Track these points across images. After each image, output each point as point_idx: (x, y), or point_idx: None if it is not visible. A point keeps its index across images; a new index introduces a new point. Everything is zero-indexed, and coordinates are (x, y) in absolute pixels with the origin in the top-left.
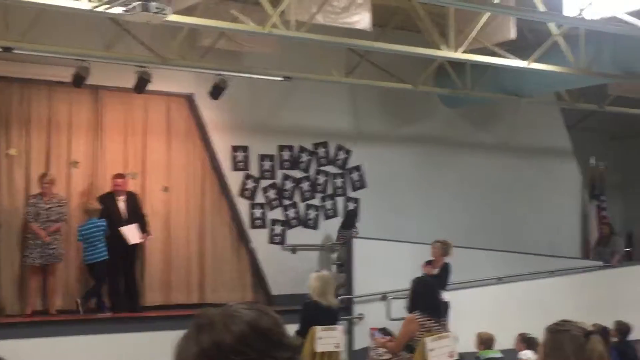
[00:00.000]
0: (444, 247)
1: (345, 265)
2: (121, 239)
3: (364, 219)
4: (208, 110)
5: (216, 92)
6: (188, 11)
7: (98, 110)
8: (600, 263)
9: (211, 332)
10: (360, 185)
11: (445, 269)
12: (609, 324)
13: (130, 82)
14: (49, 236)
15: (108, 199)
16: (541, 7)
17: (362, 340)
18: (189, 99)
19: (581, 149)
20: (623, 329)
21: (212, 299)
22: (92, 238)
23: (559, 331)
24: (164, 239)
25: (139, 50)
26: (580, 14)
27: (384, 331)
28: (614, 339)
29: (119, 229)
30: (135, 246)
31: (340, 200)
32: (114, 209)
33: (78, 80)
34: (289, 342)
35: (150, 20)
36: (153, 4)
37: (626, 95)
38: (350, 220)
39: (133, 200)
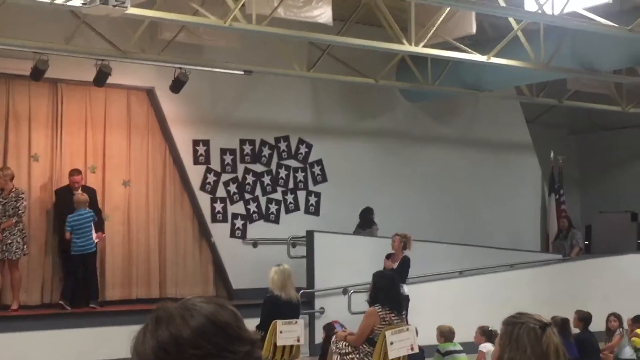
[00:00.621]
0: (403, 241)
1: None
2: None
3: (324, 212)
4: (169, 104)
5: (177, 85)
6: (148, 4)
7: (58, 104)
8: (559, 256)
9: (169, 325)
10: (321, 179)
11: (404, 263)
12: (569, 315)
13: (90, 75)
14: (1, 232)
15: (65, 193)
16: (501, 2)
17: (323, 333)
18: (150, 93)
19: (541, 143)
20: (585, 318)
21: (173, 293)
22: (81, 228)
23: (516, 323)
24: (124, 233)
25: (99, 43)
26: (540, 9)
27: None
28: (576, 329)
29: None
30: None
31: (301, 194)
32: (72, 203)
33: (37, 74)
34: (247, 335)
35: (109, 13)
36: None
37: (585, 90)
38: (366, 219)
39: (90, 196)
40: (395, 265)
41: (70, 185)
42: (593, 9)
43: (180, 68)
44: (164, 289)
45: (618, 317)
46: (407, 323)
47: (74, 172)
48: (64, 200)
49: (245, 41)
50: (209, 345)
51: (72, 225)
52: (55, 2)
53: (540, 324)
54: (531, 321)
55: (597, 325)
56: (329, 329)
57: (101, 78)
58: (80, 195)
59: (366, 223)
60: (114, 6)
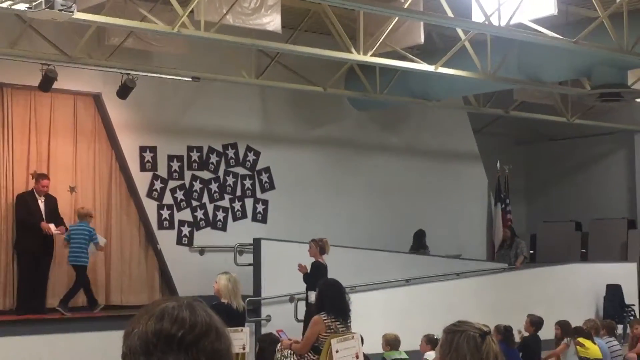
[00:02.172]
0: (319, 245)
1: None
2: (39, 240)
3: (272, 220)
4: (115, 110)
5: (124, 91)
6: (95, 9)
7: (3, 109)
8: (505, 265)
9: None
10: (269, 186)
11: (314, 268)
12: (513, 324)
13: (35, 80)
14: None
15: (29, 198)
16: (449, 13)
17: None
18: (96, 98)
19: (487, 153)
20: (537, 322)
21: (118, 300)
22: (77, 241)
23: (456, 332)
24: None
25: (45, 47)
26: (487, 21)
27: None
28: (526, 334)
29: (41, 224)
30: (52, 248)
31: (249, 202)
32: (35, 208)
33: None
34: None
35: (55, 18)
36: (59, 0)
37: (531, 100)
38: (419, 241)
39: (52, 203)
40: (308, 270)
41: (37, 190)
42: (539, 21)
43: (127, 74)
44: (110, 296)
45: (562, 325)
46: (352, 331)
47: (42, 176)
48: (25, 205)
49: (193, 48)
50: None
51: (71, 236)
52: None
53: (480, 332)
54: (471, 329)
55: (543, 333)
56: (264, 340)
57: (47, 83)
58: (80, 209)
59: (419, 245)
60: (60, 10)
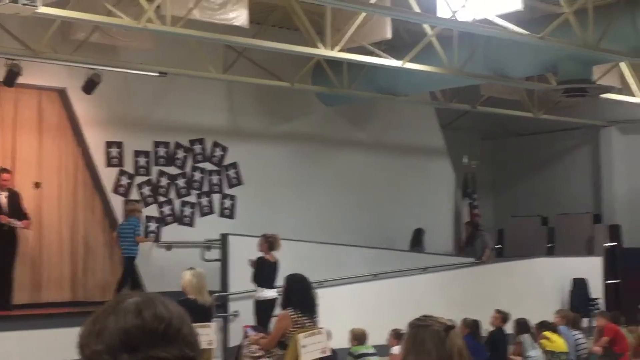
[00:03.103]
0: (269, 241)
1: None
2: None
3: (239, 216)
4: (81, 105)
5: (89, 86)
6: (61, 3)
7: None
8: (471, 260)
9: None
10: (236, 182)
11: (260, 264)
12: (481, 318)
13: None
14: None
15: None
16: (416, 8)
17: (237, 337)
18: (62, 93)
19: (454, 148)
20: (504, 316)
21: (84, 296)
22: (125, 235)
23: (420, 326)
24: (34, 236)
25: (8, 42)
26: (453, 16)
27: (256, 328)
28: (491, 328)
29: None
30: (16, 244)
31: (216, 197)
32: None
33: None
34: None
35: (19, 12)
36: None
37: (497, 96)
38: (416, 239)
39: (14, 198)
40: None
41: None
42: (505, 17)
43: (93, 69)
44: (75, 292)
45: (518, 324)
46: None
47: (2, 171)
48: None
49: (160, 43)
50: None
51: (120, 231)
52: None
53: (444, 326)
54: (435, 324)
55: (509, 327)
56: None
57: (11, 78)
58: (126, 205)
59: (416, 243)
60: (24, 5)
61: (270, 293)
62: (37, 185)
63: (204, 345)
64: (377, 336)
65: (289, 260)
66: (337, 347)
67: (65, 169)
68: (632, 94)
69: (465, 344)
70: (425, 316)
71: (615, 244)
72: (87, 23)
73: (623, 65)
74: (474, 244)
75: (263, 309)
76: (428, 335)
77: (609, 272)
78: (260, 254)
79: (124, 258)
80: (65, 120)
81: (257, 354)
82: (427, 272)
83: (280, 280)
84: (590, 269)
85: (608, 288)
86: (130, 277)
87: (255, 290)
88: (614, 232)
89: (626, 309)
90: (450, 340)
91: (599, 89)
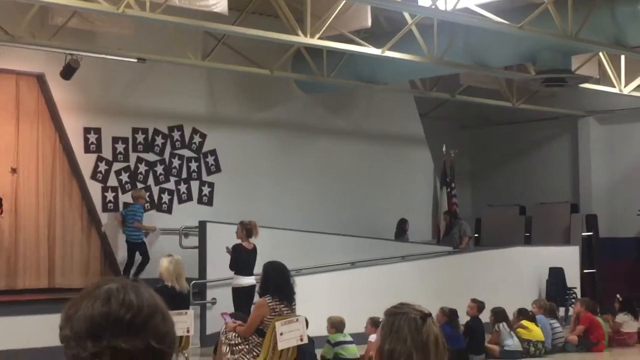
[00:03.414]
0: (246, 229)
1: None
2: None
3: (218, 203)
4: (59, 91)
5: (68, 72)
6: None
7: None
8: (449, 248)
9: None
10: (215, 169)
11: (233, 251)
12: (458, 306)
13: None
14: None
15: None
16: None
17: (214, 324)
18: (40, 79)
19: (433, 137)
20: (480, 305)
21: (61, 283)
22: (128, 221)
23: (397, 314)
24: (11, 222)
25: None
26: (433, 5)
27: (234, 315)
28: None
29: None
30: None
31: (194, 184)
32: None
33: None
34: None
35: None
36: None
37: (477, 85)
38: (400, 229)
39: None
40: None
41: None
42: (485, 6)
43: (71, 54)
44: (53, 279)
45: (494, 313)
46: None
47: None
48: None
49: (139, 28)
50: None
51: (123, 216)
52: None
53: (421, 314)
54: (412, 312)
55: (486, 316)
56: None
57: None
58: (136, 191)
59: (400, 232)
60: None
61: (247, 280)
62: (14, 171)
63: (181, 332)
64: (355, 324)
65: (267, 248)
66: (314, 335)
67: (43, 155)
68: (610, 84)
69: (443, 332)
70: (401, 304)
71: (592, 233)
72: (65, 8)
73: (601, 56)
74: (451, 232)
75: (240, 296)
76: (404, 322)
77: (585, 261)
78: (238, 242)
79: (129, 244)
80: (43, 105)
81: (234, 341)
82: (405, 261)
83: (259, 268)
84: (567, 258)
85: (584, 277)
86: (146, 261)
87: (232, 278)
88: (591, 221)
89: (602, 298)
90: (426, 328)
91: (578, 79)
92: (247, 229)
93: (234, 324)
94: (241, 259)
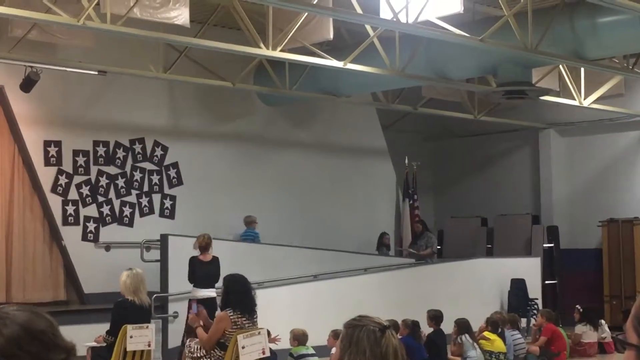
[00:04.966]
0: (201, 242)
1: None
2: None
3: (180, 216)
4: (19, 103)
5: (27, 84)
6: None
7: None
8: (412, 260)
9: None
10: (177, 182)
11: (191, 264)
12: (420, 318)
13: None
14: None
15: None
16: (358, 9)
17: (176, 338)
18: None
19: (396, 149)
20: (436, 317)
21: (21, 298)
22: None
23: (356, 326)
24: None
25: None
26: (395, 17)
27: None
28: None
29: None
30: None
31: (156, 197)
32: None
33: None
34: (63, 344)
35: None
36: None
37: (439, 97)
38: (379, 242)
39: None
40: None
41: None
42: (446, 19)
43: (31, 67)
44: (11, 293)
45: (458, 324)
46: (258, 327)
47: None
48: None
49: (100, 41)
50: (23, 353)
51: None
52: None
53: (380, 326)
54: (371, 324)
55: (448, 327)
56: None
57: None
58: (248, 217)
59: (380, 246)
60: None
61: (203, 292)
62: None
63: (142, 346)
64: (317, 337)
65: (229, 261)
66: (276, 347)
67: (2, 168)
68: (570, 97)
69: (403, 344)
70: (361, 316)
71: (553, 245)
72: (25, 20)
73: (562, 68)
74: (418, 243)
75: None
76: (363, 335)
77: (547, 272)
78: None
79: None
80: (2, 118)
81: (196, 354)
82: (367, 273)
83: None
84: (529, 269)
85: (546, 288)
86: None
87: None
88: (552, 233)
89: (563, 309)
90: (385, 340)
91: (538, 91)
92: (202, 242)
93: (197, 318)
94: (196, 272)
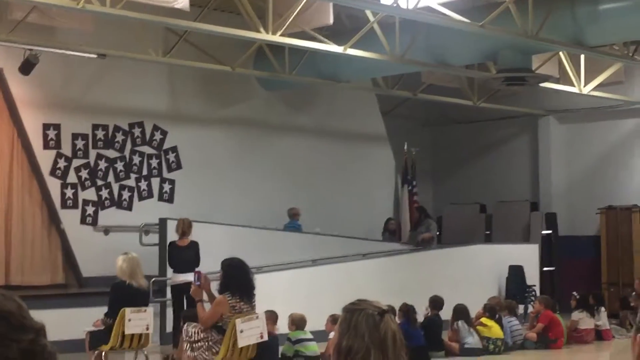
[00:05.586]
0: (180, 226)
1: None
2: None
3: (178, 200)
4: (18, 86)
5: (27, 67)
6: None
7: None
8: (411, 246)
9: None
10: (176, 166)
11: (169, 249)
12: (418, 304)
13: None
14: None
15: None
16: None
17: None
18: None
19: (395, 135)
20: (435, 301)
21: (19, 281)
22: None
23: (355, 310)
24: None
25: None
26: (395, 3)
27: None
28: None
29: None
30: None
31: (155, 181)
32: None
33: None
34: (31, 324)
35: None
36: None
37: (438, 83)
38: (384, 227)
39: None
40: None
41: None
42: (447, 5)
43: (30, 49)
44: (9, 277)
45: (455, 310)
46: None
47: None
48: None
49: (99, 24)
50: None
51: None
52: None
53: (379, 310)
54: (370, 308)
55: (447, 314)
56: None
57: None
58: (292, 209)
59: (385, 231)
60: None
61: (180, 277)
62: None
63: (140, 330)
64: (316, 322)
65: (228, 245)
66: (276, 332)
67: (1, 151)
68: (570, 84)
69: (401, 329)
70: (359, 300)
71: (551, 231)
72: (24, 2)
73: (562, 55)
74: (419, 229)
75: (174, 292)
76: (362, 319)
77: (544, 259)
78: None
79: None
80: (1, 101)
81: (194, 338)
82: (366, 258)
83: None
84: (527, 256)
85: (543, 275)
86: None
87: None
88: (550, 220)
89: (561, 296)
90: (384, 325)
91: (538, 78)
92: (180, 226)
93: (199, 289)
94: (173, 256)
